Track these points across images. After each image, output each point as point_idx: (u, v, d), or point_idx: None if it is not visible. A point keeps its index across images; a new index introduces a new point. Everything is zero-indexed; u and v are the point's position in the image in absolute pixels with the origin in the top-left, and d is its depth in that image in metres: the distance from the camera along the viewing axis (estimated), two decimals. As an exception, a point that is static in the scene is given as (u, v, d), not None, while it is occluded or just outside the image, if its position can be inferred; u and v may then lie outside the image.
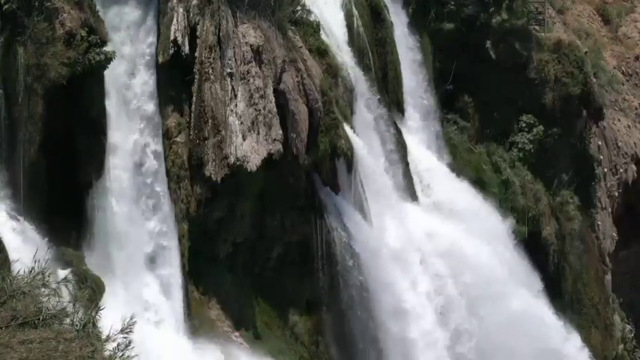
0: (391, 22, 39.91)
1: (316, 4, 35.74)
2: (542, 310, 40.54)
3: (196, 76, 30.18)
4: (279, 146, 31.08)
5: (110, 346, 12.55)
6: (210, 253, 31.50)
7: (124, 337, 12.33)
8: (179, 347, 28.90)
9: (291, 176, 32.70)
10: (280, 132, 31.18)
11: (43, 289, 12.89)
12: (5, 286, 13.03)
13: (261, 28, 31.44)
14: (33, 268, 13.17)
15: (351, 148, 34.13)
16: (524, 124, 44.16)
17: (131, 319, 12.44)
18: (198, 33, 30.23)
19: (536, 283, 41.41)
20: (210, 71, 30.20)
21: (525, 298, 39.61)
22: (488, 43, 43.55)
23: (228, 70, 30.45)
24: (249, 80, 30.80)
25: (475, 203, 41.07)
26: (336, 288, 33.72)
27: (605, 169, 48.12)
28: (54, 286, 12.83)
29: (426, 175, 39.95)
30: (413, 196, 38.54)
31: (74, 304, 12.85)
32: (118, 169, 28.98)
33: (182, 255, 30.22)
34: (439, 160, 41.37)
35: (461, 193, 40.65)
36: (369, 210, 35.06)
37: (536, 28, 45.35)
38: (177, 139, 30.31)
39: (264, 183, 31.92)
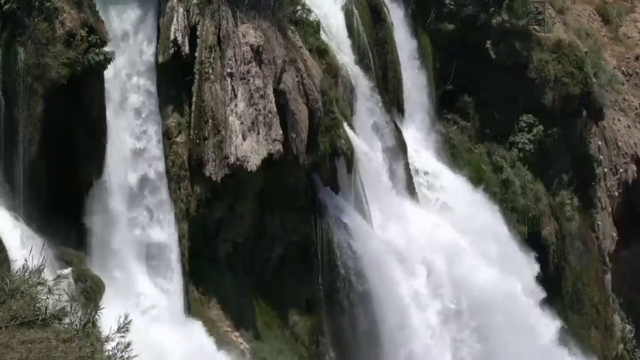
0: (391, 22, 39.91)
1: (316, 4, 35.74)
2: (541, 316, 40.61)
3: (196, 76, 30.18)
4: (279, 146, 31.09)
5: (109, 346, 12.56)
6: (210, 253, 31.50)
7: (121, 337, 12.34)
8: (179, 347, 28.88)
9: (291, 176, 32.71)
10: (280, 132, 31.19)
11: (40, 287, 12.89)
12: (5, 286, 13.03)
13: (261, 28, 31.45)
14: (29, 266, 13.17)
15: (351, 148, 34.13)
16: (524, 124, 44.16)
17: (126, 317, 12.44)
18: (198, 33, 30.23)
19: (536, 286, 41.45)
20: (210, 71, 30.20)
21: (525, 300, 39.66)
22: (488, 43, 43.56)
23: (228, 70, 30.46)
24: (249, 80, 30.81)
25: (475, 203, 41.07)
26: (336, 288, 33.73)
27: (605, 169, 48.11)
28: (50, 283, 12.82)
29: (425, 174, 39.96)
30: (413, 196, 38.54)
31: (71, 305, 12.84)
32: (117, 169, 28.97)
33: (182, 255, 30.21)
34: (439, 160, 41.38)
35: (461, 192, 40.64)
36: (369, 210, 35.07)
37: (536, 28, 45.35)
38: (177, 139, 30.32)
39: (264, 183, 31.93)
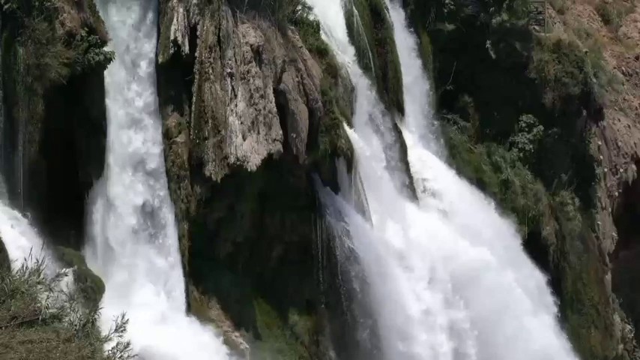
0: (391, 22, 39.90)
1: (316, 4, 35.74)
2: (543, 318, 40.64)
3: (196, 76, 30.19)
4: (279, 146, 31.10)
5: (109, 345, 12.57)
6: (210, 253, 31.50)
7: (119, 336, 12.36)
8: (179, 347, 28.89)
9: (291, 176, 32.70)
10: (280, 132, 31.19)
11: (39, 287, 12.90)
12: (5, 286, 13.04)
13: (261, 28, 31.45)
14: (29, 266, 13.19)
15: (351, 148, 34.13)
16: (524, 124, 44.18)
17: (123, 317, 12.47)
18: (198, 33, 30.23)
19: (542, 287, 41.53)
20: (210, 71, 30.21)
21: (527, 303, 39.68)
22: (488, 43, 43.55)
23: (228, 70, 30.46)
24: (249, 80, 30.81)
25: (475, 203, 41.08)
26: (336, 288, 33.72)
27: (605, 169, 48.10)
28: (49, 282, 12.84)
29: (425, 175, 39.95)
30: (413, 196, 38.55)
31: (70, 304, 12.86)
32: (117, 169, 28.98)
33: (182, 255, 30.22)
34: (439, 160, 41.36)
35: (461, 193, 40.64)
36: (369, 210, 35.07)
37: (536, 28, 45.36)
38: (177, 139, 30.32)
39: (264, 183, 31.93)
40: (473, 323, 37.08)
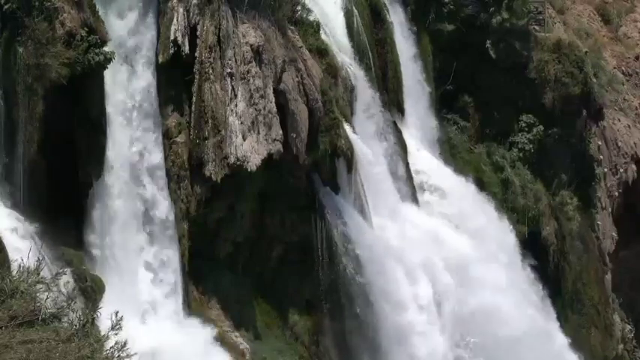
0: (391, 22, 39.93)
1: (316, 4, 35.75)
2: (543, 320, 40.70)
3: (196, 76, 30.19)
4: (279, 146, 31.11)
5: (108, 345, 12.57)
6: (210, 253, 31.52)
7: (115, 334, 12.36)
8: (179, 347, 28.89)
9: (291, 176, 32.72)
10: (280, 132, 31.20)
11: (39, 286, 12.91)
12: (5, 285, 13.04)
13: (261, 28, 31.46)
14: (29, 266, 13.19)
15: (351, 148, 34.14)
16: (524, 124, 44.20)
17: (117, 315, 12.47)
18: (198, 33, 30.24)
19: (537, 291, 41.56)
20: (210, 71, 30.22)
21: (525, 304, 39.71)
22: (488, 43, 43.56)
23: (228, 70, 30.47)
24: (249, 80, 30.82)
25: (475, 203, 41.08)
26: (336, 288, 33.73)
27: (605, 169, 48.11)
28: (48, 281, 12.84)
29: (425, 175, 39.96)
30: (413, 196, 38.55)
31: (68, 304, 12.86)
32: (117, 169, 28.98)
33: (182, 255, 30.22)
34: (439, 160, 41.38)
35: (461, 193, 40.65)
36: (369, 210, 35.08)
37: (536, 28, 45.37)
38: (177, 139, 30.33)
39: (264, 183, 31.94)
40: (471, 325, 37.11)
